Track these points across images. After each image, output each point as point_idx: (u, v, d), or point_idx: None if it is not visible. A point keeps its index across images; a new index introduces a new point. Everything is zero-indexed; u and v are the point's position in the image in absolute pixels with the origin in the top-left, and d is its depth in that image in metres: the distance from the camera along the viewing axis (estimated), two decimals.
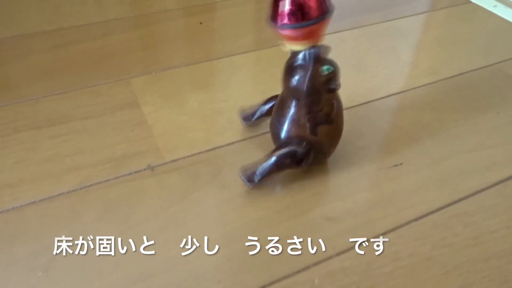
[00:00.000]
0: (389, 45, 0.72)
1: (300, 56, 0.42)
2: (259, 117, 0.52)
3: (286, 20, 0.40)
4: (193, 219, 0.44)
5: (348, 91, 0.60)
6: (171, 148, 0.51)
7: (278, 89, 0.47)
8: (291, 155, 0.45)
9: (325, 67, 0.42)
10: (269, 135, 0.49)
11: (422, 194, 0.48)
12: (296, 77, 0.43)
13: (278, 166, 0.46)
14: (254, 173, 0.46)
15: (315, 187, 0.48)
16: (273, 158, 0.45)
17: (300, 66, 0.42)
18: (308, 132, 0.45)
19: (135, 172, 0.48)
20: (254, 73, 0.66)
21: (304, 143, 0.45)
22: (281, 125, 0.46)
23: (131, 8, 0.78)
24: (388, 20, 0.79)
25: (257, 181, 0.45)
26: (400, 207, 0.46)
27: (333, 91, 0.45)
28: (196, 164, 0.49)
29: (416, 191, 0.48)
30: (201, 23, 0.75)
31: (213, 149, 0.51)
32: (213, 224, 0.44)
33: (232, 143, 0.52)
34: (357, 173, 0.49)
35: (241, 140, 0.53)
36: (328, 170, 0.50)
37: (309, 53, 0.42)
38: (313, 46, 0.42)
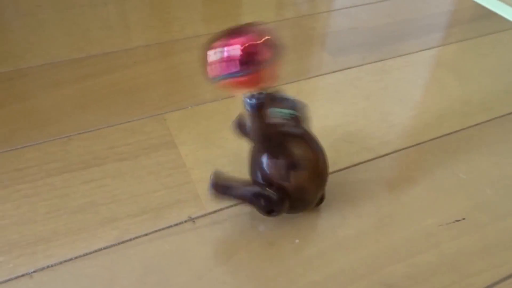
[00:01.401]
0: (436, 76, 0.68)
1: (245, 102, 0.39)
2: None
3: (219, 72, 0.36)
4: (239, 284, 0.41)
5: (397, 130, 0.56)
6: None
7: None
8: (261, 198, 0.42)
9: (286, 111, 0.41)
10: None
11: (488, 257, 0.44)
12: (248, 123, 0.41)
13: (250, 201, 0.43)
14: (223, 187, 0.43)
15: (368, 247, 0.44)
16: (251, 192, 0.43)
17: (248, 114, 0.40)
18: (280, 180, 0.42)
19: (175, 224, 0.45)
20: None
21: (276, 190, 0.42)
22: (255, 170, 0.43)
23: (160, 33, 0.75)
24: (431, 48, 0.74)
25: (219, 194, 0.43)
26: (466, 272, 0.42)
27: (295, 136, 0.42)
28: (239, 216, 0.46)
29: (481, 253, 0.44)
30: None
31: None
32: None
33: None
34: (416, 229, 0.46)
35: None
36: (382, 226, 0.46)
37: (252, 99, 0.38)
38: (260, 92, 0.38)
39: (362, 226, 0.46)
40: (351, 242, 0.44)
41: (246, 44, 0.35)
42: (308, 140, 0.43)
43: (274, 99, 0.40)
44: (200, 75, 0.66)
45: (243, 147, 0.54)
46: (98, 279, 0.40)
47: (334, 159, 0.53)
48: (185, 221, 0.45)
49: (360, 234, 0.45)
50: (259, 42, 0.36)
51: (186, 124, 0.57)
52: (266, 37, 0.36)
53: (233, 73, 0.36)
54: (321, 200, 0.47)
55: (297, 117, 0.42)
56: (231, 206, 0.47)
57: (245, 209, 0.47)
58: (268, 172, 0.42)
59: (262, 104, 0.39)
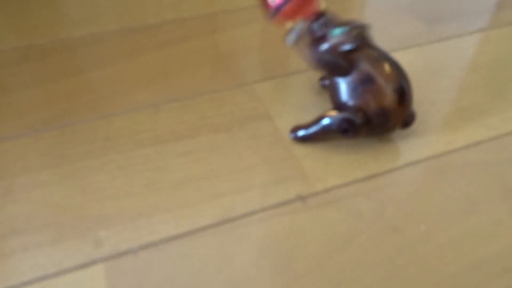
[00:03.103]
0: None
1: (300, 29, 0.44)
2: None
3: (276, 3, 0.42)
4: (365, 272, 0.36)
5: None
6: (321, 174, 0.43)
7: None
8: (341, 121, 0.43)
9: (336, 30, 0.42)
10: None
11: None
12: (307, 52, 0.45)
13: (325, 129, 0.44)
14: (300, 128, 0.46)
15: (508, 237, 0.39)
16: (324, 120, 0.44)
17: (309, 37, 0.44)
18: (359, 101, 0.42)
19: (284, 204, 0.41)
20: None
21: (361, 113, 0.42)
22: (335, 93, 0.44)
23: None
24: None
25: (300, 136, 0.46)
26: None
27: (348, 51, 0.42)
28: (354, 197, 0.41)
29: None
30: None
31: (371, 177, 0.43)
32: (388, 278, 0.36)
33: (393, 170, 0.44)
34: None
35: (404, 166, 0.44)
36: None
37: (306, 25, 0.43)
38: (314, 17, 0.43)
39: (496, 213, 0.40)
40: (486, 231, 0.39)
41: None
42: (376, 53, 0.43)
43: (328, 24, 0.43)
44: (285, 45, 0.61)
45: None
46: (209, 259, 0.36)
47: (449, 137, 0.47)
48: (294, 200, 0.41)
49: (494, 222, 0.40)
50: None
51: (278, 96, 0.52)
52: None
53: (280, 4, 0.41)
54: (411, 120, 0.45)
55: (358, 32, 0.42)
56: (343, 185, 0.42)
57: (360, 188, 0.42)
58: (350, 94, 0.43)
59: (326, 23, 0.42)
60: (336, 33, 0.42)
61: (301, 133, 0.45)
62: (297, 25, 0.44)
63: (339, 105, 0.44)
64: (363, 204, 0.41)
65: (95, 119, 0.49)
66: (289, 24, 0.45)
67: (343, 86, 0.43)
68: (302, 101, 0.51)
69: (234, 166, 0.44)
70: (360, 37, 0.42)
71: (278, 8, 0.42)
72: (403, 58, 0.58)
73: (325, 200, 0.41)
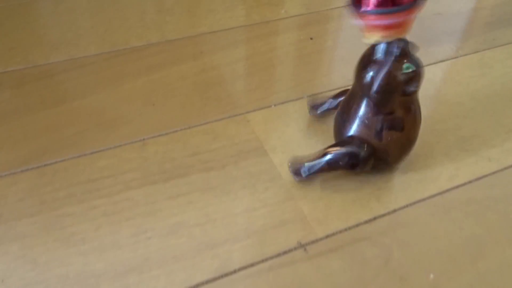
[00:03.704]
0: None
1: (381, 48, 0.37)
2: (326, 110, 0.49)
3: (371, 5, 0.35)
4: None
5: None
6: (321, 217, 0.41)
7: None
8: (349, 156, 0.41)
9: (405, 65, 0.37)
10: None
11: None
12: (371, 72, 0.38)
13: (330, 165, 0.41)
14: (302, 166, 0.42)
15: None
16: (328, 156, 0.41)
17: (378, 60, 0.38)
18: (373, 136, 0.40)
19: (284, 252, 0.38)
20: None
21: (366, 146, 0.40)
22: (345, 121, 0.42)
23: (225, 18, 0.67)
24: None
25: (305, 176, 0.42)
26: None
27: (409, 94, 0.39)
28: (358, 243, 0.39)
29: None
30: (311, 38, 0.64)
31: (374, 219, 0.41)
32: None
33: (396, 210, 0.42)
34: None
35: (408, 205, 0.42)
36: None
37: (392, 47, 0.37)
38: (398, 39, 0.37)
39: (504, 256, 0.39)
40: (495, 277, 0.37)
41: None
42: (413, 103, 0.41)
43: (404, 51, 0.38)
44: (278, 69, 0.58)
45: None
46: None
47: (451, 171, 0.46)
48: (295, 248, 0.38)
49: (503, 266, 0.38)
50: None
51: (273, 127, 0.50)
52: None
53: (384, 9, 0.35)
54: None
55: (414, 73, 0.38)
56: (346, 229, 0.40)
57: (363, 232, 0.40)
58: (363, 125, 0.40)
59: (403, 51, 0.37)
60: (404, 70, 0.38)
61: (304, 173, 0.42)
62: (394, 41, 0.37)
63: (345, 137, 0.42)
64: (368, 251, 0.38)
65: (78, 157, 0.45)
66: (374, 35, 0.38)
67: (362, 120, 0.40)
68: (298, 132, 0.49)
69: (229, 209, 0.41)
70: (415, 78, 0.39)
71: (376, 12, 0.36)
72: None
73: (327, 247, 0.39)
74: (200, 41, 0.62)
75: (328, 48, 0.62)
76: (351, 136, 0.41)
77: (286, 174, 0.44)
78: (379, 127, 0.40)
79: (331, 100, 0.48)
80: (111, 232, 0.39)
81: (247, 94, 0.54)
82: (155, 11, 0.68)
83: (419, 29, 0.66)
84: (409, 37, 0.38)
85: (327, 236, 0.39)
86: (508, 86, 0.57)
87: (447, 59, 0.61)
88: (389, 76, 0.38)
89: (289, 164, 0.43)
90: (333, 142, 0.44)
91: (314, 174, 0.42)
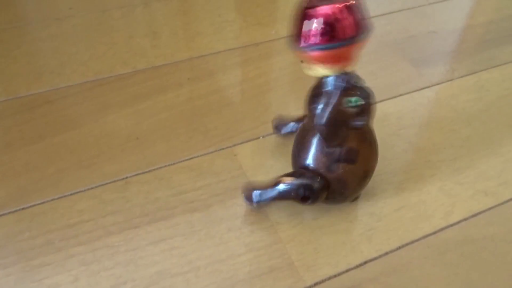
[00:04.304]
0: None
1: (329, 81, 0.37)
2: (289, 132, 0.48)
3: (313, 40, 0.34)
4: None
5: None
6: (310, 261, 0.39)
7: None
8: (302, 188, 0.40)
9: (353, 99, 0.37)
10: None
11: None
12: (319, 105, 0.38)
13: (281, 195, 0.41)
14: (254, 193, 0.41)
15: None
16: (280, 186, 0.40)
17: (326, 92, 0.37)
18: (326, 167, 0.39)
19: None
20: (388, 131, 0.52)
21: (319, 178, 0.39)
22: (300, 151, 0.41)
23: (212, 42, 0.66)
24: None
25: (255, 203, 0.42)
26: None
27: (357, 127, 0.38)
28: None
29: None
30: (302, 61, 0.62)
31: (365, 263, 0.39)
32: None
33: (388, 253, 0.40)
34: None
35: (400, 247, 0.40)
36: None
37: (338, 80, 0.37)
38: (345, 72, 0.36)
39: None
40: None
41: (343, 15, 0.33)
42: (368, 135, 0.40)
43: (350, 83, 0.37)
44: (267, 96, 0.56)
45: None
46: None
47: (446, 207, 0.44)
48: None
49: None
50: (355, 13, 0.34)
51: (261, 161, 0.48)
52: (360, 9, 0.34)
53: (328, 44, 0.34)
54: (356, 197, 0.44)
55: (364, 106, 0.38)
56: (336, 275, 0.38)
57: (352, 281, 0.38)
58: (317, 156, 0.39)
59: (348, 84, 0.37)
60: (353, 103, 0.37)
61: (256, 198, 0.41)
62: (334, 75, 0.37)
63: (299, 167, 0.41)
64: None
65: (57, 199, 0.43)
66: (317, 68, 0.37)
67: (316, 151, 0.39)
68: (287, 167, 0.47)
69: (214, 255, 0.39)
70: (363, 110, 0.38)
71: (317, 48, 0.34)
72: (391, 108, 0.55)
73: None
74: (187, 66, 0.61)
75: None
76: (305, 167, 0.40)
77: (273, 214, 0.43)
78: (332, 159, 0.39)
79: (294, 123, 0.48)
80: (89, 284, 0.37)
81: (235, 125, 0.52)
82: (142, 35, 0.66)
83: (413, 50, 0.64)
84: (365, 66, 0.36)
85: (315, 284, 0.38)
86: (505, 111, 0.55)
87: (442, 82, 0.59)
88: (336, 110, 0.37)
89: (242, 189, 0.42)
90: None
91: (265, 202, 0.41)
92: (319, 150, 0.39)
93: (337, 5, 0.33)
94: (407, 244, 0.41)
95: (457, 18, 0.72)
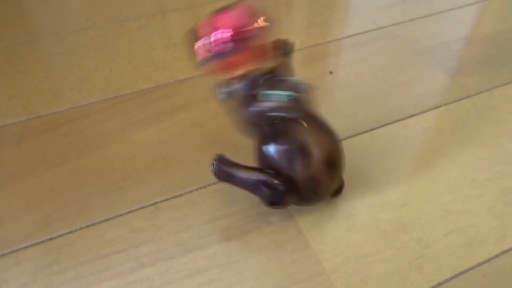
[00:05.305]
0: None
1: (238, 87, 0.39)
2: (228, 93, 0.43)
3: (202, 55, 0.36)
4: None
5: None
6: None
7: None
8: (261, 184, 0.38)
9: (279, 92, 0.38)
10: None
11: None
12: (241, 108, 0.40)
13: (253, 189, 0.39)
14: (226, 173, 0.40)
15: None
16: (255, 179, 0.39)
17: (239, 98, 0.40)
18: (286, 169, 0.38)
19: None
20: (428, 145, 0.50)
21: (281, 179, 0.38)
22: (260, 156, 0.40)
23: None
24: None
25: (220, 179, 0.41)
26: None
27: (291, 119, 0.38)
28: None
29: None
30: (331, 72, 0.59)
31: None
32: None
33: (441, 283, 0.37)
34: None
35: (456, 276, 0.37)
36: None
37: (245, 83, 0.38)
38: (260, 73, 0.38)
39: None
40: None
41: (233, 23, 0.35)
42: (313, 122, 0.39)
43: (269, 81, 0.38)
44: None
45: (376, 215, 0.42)
46: None
47: (498, 231, 0.41)
48: None
49: None
50: (245, 18, 0.35)
51: None
52: (254, 13, 0.35)
53: (221, 53, 0.35)
54: (340, 189, 0.43)
55: (298, 99, 0.38)
56: None
57: None
58: (273, 161, 0.38)
59: (267, 82, 0.37)
60: (273, 96, 0.38)
61: (222, 177, 0.40)
62: (234, 81, 0.39)
63: (271, 168, 0.39)
64: None
65: (85, 227, 0.41)
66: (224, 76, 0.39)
67: (272, 151, 0.38)
68: None
69: None
70: (299, 105, 0.38)
71: (218, 56, 0.36)
72: (428, 122, 0.52)
73: None
74: (212, 80, 0.58)
75: (349, 84, 0.58)
76: (268, 169, 0.39)
77: (314, 241, 0.40)
78: (288, 158, 0.38)
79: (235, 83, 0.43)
80: None
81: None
82: (162, 47, 0.64)
83: (446, 57, 0.61)
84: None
85: None
86: None
87: (479, 92, 0.56)
88: (247, 113, 0.39)
89: (215, 160, 0.40)
90: None
91: (230, 183, 0.41)
92: (273, 152, 0.38)
93: (204, 21, 0.36)
94: (460, 274, 0.38)
95: (489, 22, 0.69)
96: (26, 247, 0.40)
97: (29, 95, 0.56)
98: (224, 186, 0.45)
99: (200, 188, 0.45)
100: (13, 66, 0.61)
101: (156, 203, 0.43)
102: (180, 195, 0.44)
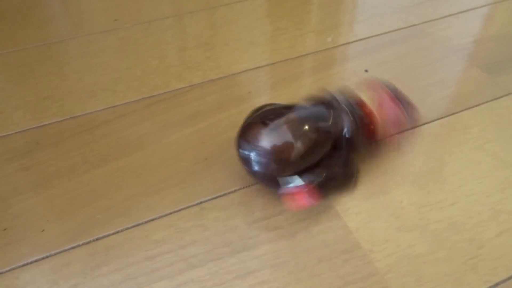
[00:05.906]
0: None
1: None
2: None
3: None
4: None
5: None
6: None
7: None
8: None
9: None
10: None
11: None
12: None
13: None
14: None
15: None
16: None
17: None
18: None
19: None
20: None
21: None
22: None
23: (277, 51, 0.63)
24: None
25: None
26: None
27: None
28: None
29: None
30: (366, 70, 0.59)
31: None
32: None
33: (498, 284, 0.37)
34: None
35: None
36: None
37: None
38: None
39: None
40: None
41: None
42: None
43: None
44: None
45: (424, 217, 0.41)
46: None
47: None
48: None
49: None
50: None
51: None
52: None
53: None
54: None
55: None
56: None
57: None
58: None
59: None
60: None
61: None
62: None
63: None
64: None
65: (131, 227, 0.41)
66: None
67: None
68: (375, 189, 0.44)
69: None
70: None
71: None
72: (470, 120, 0.51)
73: None
74: (245, 79, 0.58)
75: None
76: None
77: (364, 241, 0.39)
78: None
79: None
80: None
81: None
82: (193, 46, 0.63)
83: (481, 55, 0.60)
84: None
85: None
86: None
87: None
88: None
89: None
90: None
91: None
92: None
93: None
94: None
95: None
96: (73, 248, 0.39)
97: (63, 96, 0.56)
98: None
99: (244, 187, 0.44)
100: (44, 67, 0.61)
101: (201, 203, 0.43)
102: (224, 194, 0.44)
